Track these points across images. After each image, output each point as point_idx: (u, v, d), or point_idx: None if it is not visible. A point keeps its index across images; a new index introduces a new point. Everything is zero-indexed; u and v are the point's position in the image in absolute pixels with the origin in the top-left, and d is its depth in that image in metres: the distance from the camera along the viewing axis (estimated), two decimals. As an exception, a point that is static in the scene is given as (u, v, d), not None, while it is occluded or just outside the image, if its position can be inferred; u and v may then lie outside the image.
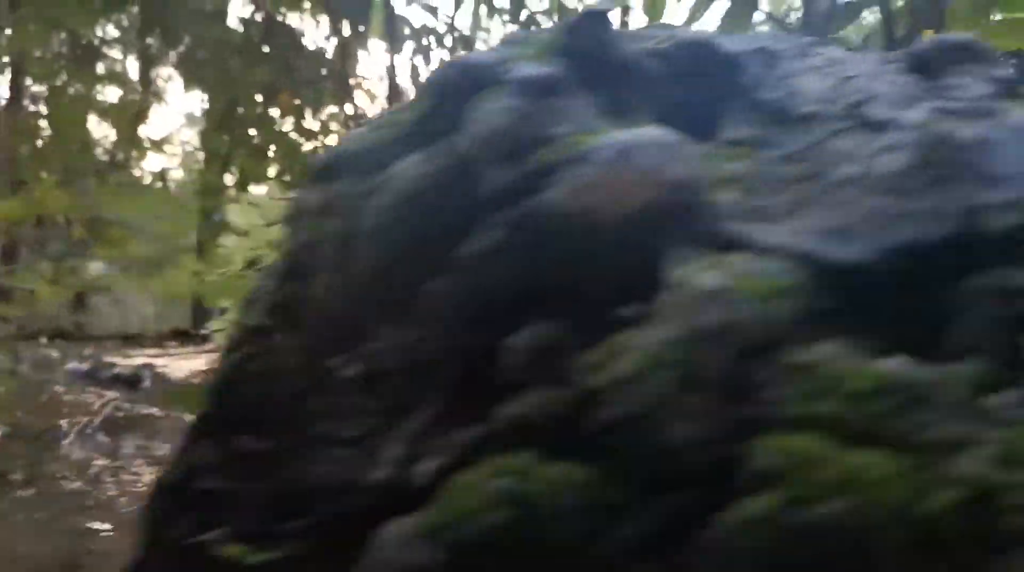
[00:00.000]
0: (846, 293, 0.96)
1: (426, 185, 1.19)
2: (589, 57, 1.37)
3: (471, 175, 1.16)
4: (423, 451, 1.01)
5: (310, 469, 1.09)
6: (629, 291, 1.02)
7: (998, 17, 3.46)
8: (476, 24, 6.91)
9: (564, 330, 1.02)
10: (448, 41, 6.76)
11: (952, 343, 0.89)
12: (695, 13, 3.91)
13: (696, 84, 1.41)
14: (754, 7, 3.60)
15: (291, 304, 1.23)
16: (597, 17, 1.43)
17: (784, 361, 0.89)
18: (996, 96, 1.24)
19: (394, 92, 6.90)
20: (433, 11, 6.86)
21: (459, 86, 1.31)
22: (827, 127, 1.24)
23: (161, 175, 9.83)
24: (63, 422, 3.88)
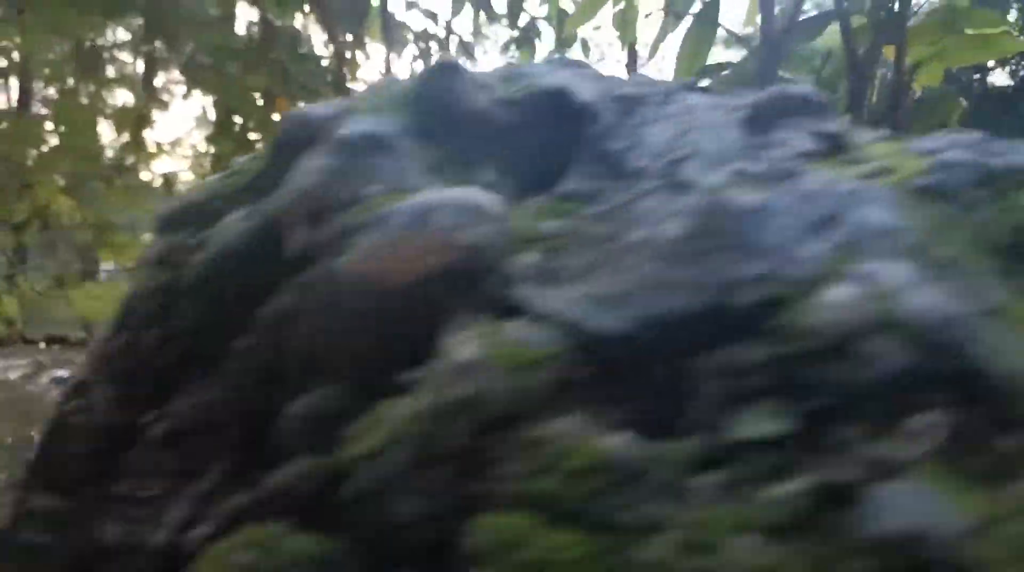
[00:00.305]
0: (602, 364, 0.97)
1: (241, 243, 1.21)
2: (437, 108, 1.38)
3: (280, 235, 1.18)
4: (201, 516, 1.04)
5: (108, 528, 1.12)
6: (410, 360, 1.04)
7: (963, 32, 3.43)
8: (476, 29, 6.96)
9: (341, 398, 1.04)
10: (447, 46, 6.79)
11: (684, 419, 0.90)
12: (662, 33, 3.91)
13: (545, 134, 1.41)
14: (715, 26, 3.59)
15: (116, 357, 1.26)
16: (450, 68, 1.45)
17: (522, 436, 0.90)
18: (814, 155, 1.24)
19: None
20: (433, 16, 6.89)
21: (294, 140, 1.33)
22: (647, 184, 1.24)
23: (168, 179, 9.90)
24: (35, 433, 3.92)
